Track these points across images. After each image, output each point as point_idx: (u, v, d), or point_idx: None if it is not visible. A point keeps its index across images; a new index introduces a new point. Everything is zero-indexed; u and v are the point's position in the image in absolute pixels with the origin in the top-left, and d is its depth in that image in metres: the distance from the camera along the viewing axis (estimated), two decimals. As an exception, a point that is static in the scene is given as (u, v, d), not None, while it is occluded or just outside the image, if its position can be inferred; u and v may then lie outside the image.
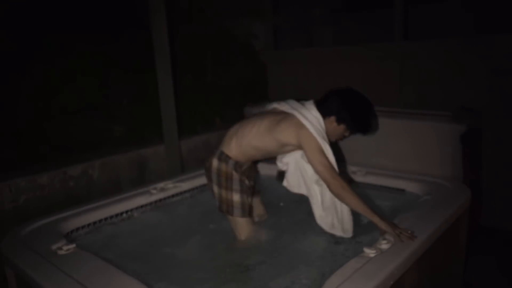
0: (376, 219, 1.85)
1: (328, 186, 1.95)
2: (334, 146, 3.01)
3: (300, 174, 2.16)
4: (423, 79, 3.30)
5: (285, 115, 2.06)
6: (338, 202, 2.03)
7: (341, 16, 4.71)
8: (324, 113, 2.05)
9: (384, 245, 1.71)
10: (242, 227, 2.20)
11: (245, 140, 2.11)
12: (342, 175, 1.98)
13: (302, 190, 2.19)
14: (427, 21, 4.04)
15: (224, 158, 2.15)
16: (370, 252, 1.65)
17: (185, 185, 2.81)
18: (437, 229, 1.92)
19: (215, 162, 2.17)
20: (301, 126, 1.98)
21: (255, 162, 2.34)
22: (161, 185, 2.73)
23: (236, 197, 2.13)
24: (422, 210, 2.11)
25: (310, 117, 2.01)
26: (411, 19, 3.96)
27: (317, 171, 1.97)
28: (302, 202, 2.32)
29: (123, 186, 3.02)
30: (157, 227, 2.46)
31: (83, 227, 2.30)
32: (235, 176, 2.13)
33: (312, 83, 3.83)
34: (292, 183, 2.22)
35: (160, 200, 2.66)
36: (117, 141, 3.20)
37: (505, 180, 3.05)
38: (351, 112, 2.05)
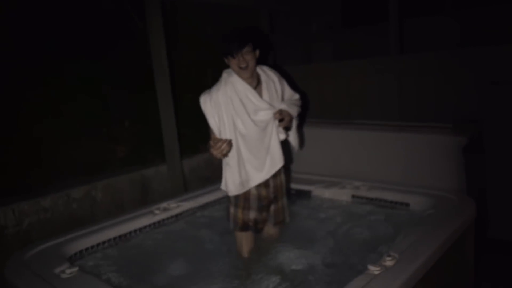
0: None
1: None
2: (338, 161, 3.02)
3: None
4: (421, 91, 3.30)
5: None
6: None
7: (339, 31, 4.75)
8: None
9: (388, 262, 1.69)
10: (238, 240, 2.29)
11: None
12: None
13: None
14: (425, 33, 4.07)
15: None
16: (374, 270, 1.64)
17: (188, 204, 2.81)
18: (442, 243, 1.90)
19: None
20: None
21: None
22: (164, 205, 2.73)
23: (231, 209, 2.24)
24: (427, 224, 2.09)
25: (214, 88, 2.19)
26: (409, 30, 3.99)
27: None
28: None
29: (126, 207, 3.01)
30: (161, 247, 2.44)
31: (86, 249, 2.30)
32: None
33: (312, 97, 3.83)
34: None
35: (163, 220, 2.65)
36: (120, 162, 3.20)
37: (510, 190, 3.01)
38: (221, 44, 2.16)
